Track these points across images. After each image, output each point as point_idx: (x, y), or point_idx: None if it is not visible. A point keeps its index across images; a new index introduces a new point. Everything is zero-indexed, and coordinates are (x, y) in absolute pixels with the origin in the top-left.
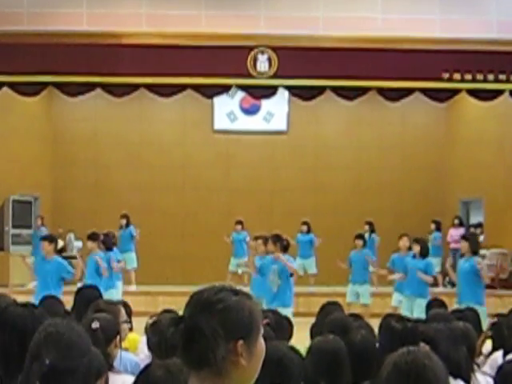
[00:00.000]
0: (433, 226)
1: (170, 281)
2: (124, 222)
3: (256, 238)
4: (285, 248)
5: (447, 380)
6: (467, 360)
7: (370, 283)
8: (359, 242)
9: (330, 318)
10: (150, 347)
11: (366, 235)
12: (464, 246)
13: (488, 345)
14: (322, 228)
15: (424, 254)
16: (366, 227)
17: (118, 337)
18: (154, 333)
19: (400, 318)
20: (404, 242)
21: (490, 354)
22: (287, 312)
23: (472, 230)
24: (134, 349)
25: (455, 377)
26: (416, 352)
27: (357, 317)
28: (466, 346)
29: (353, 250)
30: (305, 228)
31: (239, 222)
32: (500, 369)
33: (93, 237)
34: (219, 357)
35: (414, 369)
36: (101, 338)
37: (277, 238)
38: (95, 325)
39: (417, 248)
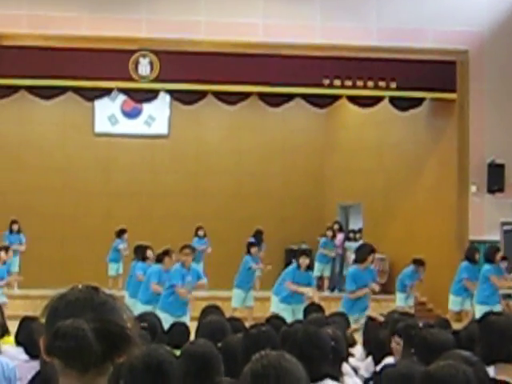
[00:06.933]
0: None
1: (49, 284)
2: (16, 227)
3: None
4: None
5: (306, 379)
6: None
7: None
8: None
9: (206, 321)
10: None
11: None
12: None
13: (359, 347)
14: None
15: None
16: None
17: None
18: None
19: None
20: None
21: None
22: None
23: (352, 235)
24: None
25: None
26: (269, 355)
27: (237, 320)
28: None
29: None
30: (202, 233)
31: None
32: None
33: None
34: None
35: (272, 370)
36: None
37: None
38: None
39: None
